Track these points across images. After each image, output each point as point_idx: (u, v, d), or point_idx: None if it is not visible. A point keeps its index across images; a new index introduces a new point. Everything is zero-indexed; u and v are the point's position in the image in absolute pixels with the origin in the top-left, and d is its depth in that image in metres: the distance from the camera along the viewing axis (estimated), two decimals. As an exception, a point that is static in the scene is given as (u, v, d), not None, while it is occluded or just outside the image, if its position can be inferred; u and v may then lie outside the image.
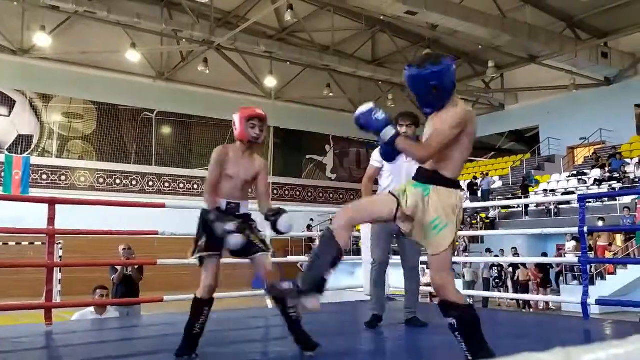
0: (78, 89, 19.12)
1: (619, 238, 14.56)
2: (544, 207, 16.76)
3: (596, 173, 17.35)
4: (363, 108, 2.52)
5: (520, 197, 17.22)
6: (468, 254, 16.52)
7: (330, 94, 22.94)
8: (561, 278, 14.52)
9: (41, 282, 4.72)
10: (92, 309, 5.39)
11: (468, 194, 19.66)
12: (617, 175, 16.26)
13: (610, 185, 15.81)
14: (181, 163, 21.15)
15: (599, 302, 5.19)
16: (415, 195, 2.49)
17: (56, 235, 4.61)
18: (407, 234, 2.56)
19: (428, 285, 15.05)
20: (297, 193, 23.92)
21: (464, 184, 20.78)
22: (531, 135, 23.48)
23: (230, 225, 3.04)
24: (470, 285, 14.83)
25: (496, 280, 14.57)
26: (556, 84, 20.74)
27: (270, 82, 21.58)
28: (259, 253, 3.24)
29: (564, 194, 16.57)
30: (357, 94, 24.92)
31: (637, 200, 13.89)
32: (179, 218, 11.78)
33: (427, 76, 2.52)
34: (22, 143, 18.36)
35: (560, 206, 16.21)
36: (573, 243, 13.31)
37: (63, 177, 18.91)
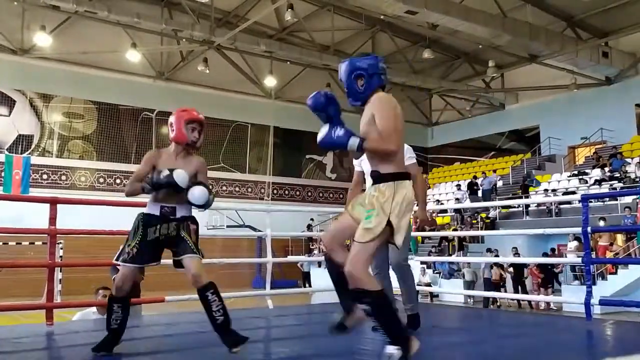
0: (78, 88, 19.11)
1: (620, 238, 14.53)
2: (545, 207, 16.74)
3: (597, 173, 17.33)
4: (322, 133, 2.63)
5: (521, 197, 17.20)
6: (459, 253, 16.50)
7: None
8: (562, 278, 14.50)
9: (41, 281, 4.71)
10: (93, 309, 5.37)
11: (468, 193, 19.64)
12: (618, 175, 16.24)
13: (611, 185, 15.80)
14: (181, 163, 21.11)
15: (602, 302, 5.17)
16: (365, 197, 2.68)
17: (57, 235, 4.60)
18: None
19: (428, 285, 15.07)
20: (297, 193, 23.90)
21: (463, 184, 20.79)
22: (532, 135, 23.46)
23: (165, 171, 3.10)
24: (470, 285, 14.82)
25: (497, 281, 14.51)
26: (557, 83, 20.73)
27: (270, 81, 21.57)
28: (187, 255, 3.18)
29: (564, 193, 16.55)
30: (358, 93, 24.90)
31: (638, 200, 13.88)
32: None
33: (353, 68, 2.79)
34: (22, 143, 18.34)
35: (561, 206, 16.20)
36: (575, 243, 13.29)
37: (63, 177, 18.89)
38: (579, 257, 5.89)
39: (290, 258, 19.04)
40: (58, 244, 4.54)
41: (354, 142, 2.59)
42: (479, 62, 22.83)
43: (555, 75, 20.47)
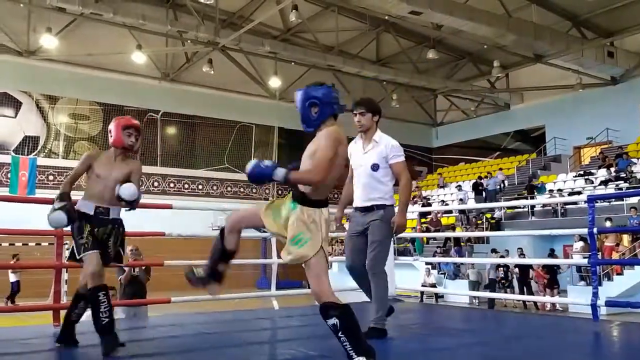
0: (84, 90, 19.18)
1: (626, 238, 14.49)
2: (551, 208, 16.69)
3: (603, 173, 17.26)
4: (249, 167, 2.81)
5: (526, 198, 17.15)
6: (456, 249, 16.47)
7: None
8: (568, 278, 14.46)
9: (46, 282, 4.74)
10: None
11: (473, 194, 19.60)
12: (624, 175, 16.17)
13: (617, 185, 15.73)
14: (186, 163, 21.20)
15: (609, 303, 5.16)
16: (287, 209, 2.82)
17: (63, 236, 4.62)
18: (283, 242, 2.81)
19: (433, 285, 15.05)
20: (302, 193, 23.90)
21: (468, 185, 20.74)
22: (537, 135, 23.40)
23: (57, 204, 3.34)
24: (474, 285, 14.79)
25: (502, 281, 14.50)
26: (562, 83, 20.66)
27: (274, 82, 21.58)
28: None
29: (570, 194, 16.49)
30: (362, 94, 24.84)
31: (644, 200, 13.83)
32: (184, 218, 11.81)
33: (308, 96, 2.94)
34: (28, 144, 18.43)
35: (567, 206, 16.14)
36: (581, 244, 13.25)
37: (69, 178, 18.95)
38: (585, 258, 5.87)
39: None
40: (64, 244, 4.56)
41: (279, 172, 2.75)
42: (484, 62, 22.78)
43: (560, 75, 20.40)
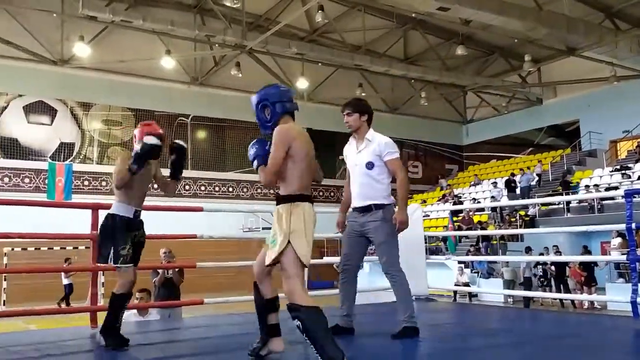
0: (116, 96, 19.60)
1: (666, 233, 14.02)
2: (587, 204, 16.29)
3: (641, 167, 16.79)
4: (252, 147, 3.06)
5: (561, 194, 16.78)
6: (483, 244, 16.18)
7: (363, 94, 22.83)
8: (606, 276, 14.08)
9: (83, 285, 4.83)
10: (134, 311, 5.49)
11: (506, 191, 19.28)
12: (663, 169, 15.69)
13: (656, 179, 15.27)
14: (216, 166, 21.44)
15: (650, 300, 4.99)
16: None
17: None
18: None
19: (466, 284, 14.84)
20: (332, 194, 23.90)
21: (501, 182, 20.41)
22: (571, 130, 22.88)
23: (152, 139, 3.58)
24: (509, 284, 14.53)
25: (541, 279, 14.15)
26: (596, 76, 20.16)
27: (302, 83, 21.63)
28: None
29: (607, 189, 16.07)
30: (390, 92, 24.77)
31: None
32: (215, 221, 11.92)
33: (258, 100, 3.04)
34: (64, 150, 18.91)
35: (604, 202, 15.73)
36: (619, 240, 12.89)
37: (104, 183, 19.38)
38: (623, 254, 5.71)
39: (326, 259, 19.03)
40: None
41: (256, 164, 2.99)
42: (515, 56, 22.40)
43: (594, 68, 19.91)
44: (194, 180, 20.94)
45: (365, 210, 3.78)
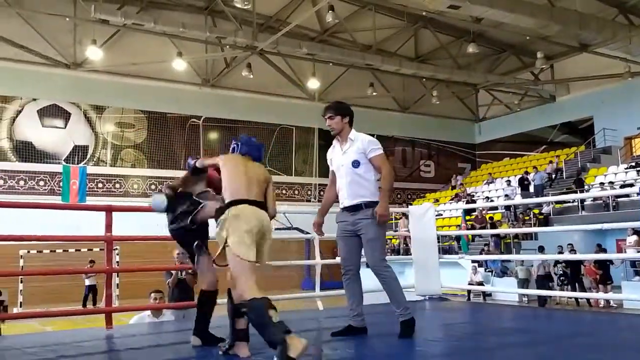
0: (129, 99, 19.75)
1: (683, 231, 13.84)
2: (602, 201, 16.12)
3: (656, 163, 16.58)
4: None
5: (575, 192, 16.62)
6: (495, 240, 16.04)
7: (374, 93, 22.81)
8: (622, 274, 13.91)
9: (99, 286, 4.87)
10: (148, 312, 5.53)
11: (519, 189, 19.14)
12: (680, 165, 15.48)
13: (672, 176, 15.07)
14: (229, 167, 21.47)
15: (666, 299, 4.93)
16: None
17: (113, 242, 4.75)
18: None
19: (480, 284, 14.73)
20: (344, 194, 23.90)
21: (514, 180, 20.27)
22: (585, 127, 22.66)
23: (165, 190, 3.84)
24: (523, 283, 14.40)
25: (561, 278, 13.95)
26: (610, 72, 19.95)
27: (313, 84, 21.64)
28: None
29: (622, 186, 15.89)
30: (401, 92, 24.71)
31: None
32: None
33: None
34: (78, 153, 19.10)
35: (619, 199, 15.56)
36: (634, 237, 12.76)
37: (117, 185, 19.54)
38: (639, 252, 5.64)
39: (339, 259, 19.01)
40: (114, 249, 4.68)
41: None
42: (527, 53, 22.23)
43: (608, 64, 19.69)
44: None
45: (355, 209, 3.80)
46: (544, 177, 18.99)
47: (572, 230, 15.42)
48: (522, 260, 14.97)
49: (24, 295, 14.90)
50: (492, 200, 19.54)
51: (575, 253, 13.85)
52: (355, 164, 3.81)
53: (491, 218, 17.99)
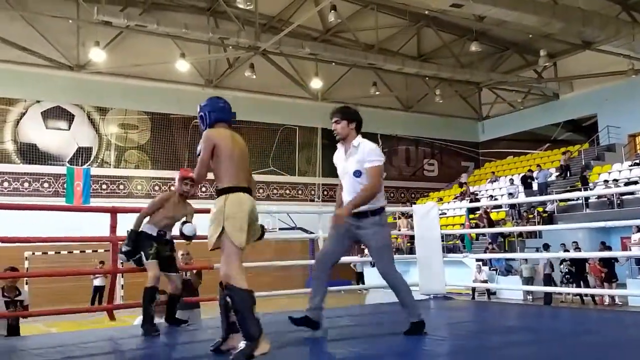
0: (132, 100, 19.79)
1: (688, 228, 13.78)
2: (606, 199, 16.08)
3: (661, 161, 16.51)
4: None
5: (580, 189, 16.57)
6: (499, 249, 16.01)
7: (377, 93, 22.80)
8: (626, 272, 13.87)
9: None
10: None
11: (522, 188, 19.11)
12: (684, 162, 15.42)
13: (677, 173, 15.01)
14: (232, 168, 21.51)
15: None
16: None
17: (118, 243, 4.77)
18: None
19: (485, 282, 14.70)
20: (348, 193, 23.90)
21: (517, 178, 20.23)
22: (589, 125, 22.59)
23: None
24: (528, 281, 14.37)
25: (567, 276, 13.92)
26: (613, 69, 19.88)
27: (316, 83, 21.65)
28: (174, 274, 4.55)
29: (626, 184, 15.84)
30: (404, 91, 24.69)
31: None
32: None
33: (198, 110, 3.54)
34: (82, 155, 19.15)
35: (623, 197, 15.51)
36: (639, 235, 12.72)
37: (121, 186, 19.59)
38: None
39: (343, 259, 18.99)
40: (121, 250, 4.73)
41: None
42: (530, 51, 22.18)
43: (611, 61, 19.63)
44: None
45: (361, 216, 3.76)
46: (547, 175, 18.93)
47: (577, 228, 15.39)
48: (527, 259, 14.95)
49: (30, 297, 14.95)
50: (496, 199, 19.50)
51: (580, 251, 13.83)
52: (357, 174, 3.78)
53: (488, 217, 17.89)
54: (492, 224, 16.67)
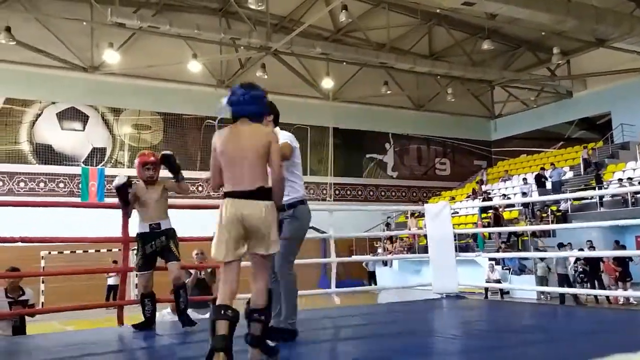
0: (145, 101, 19.95)
1: None
2: (620, 197, 15.93)
3: (676, 159, 16.32)
4: None
5: (594, 188, 16.43)
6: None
7: (388, 92, 22.77)
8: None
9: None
10: (168, 309, 5.61)
11: (536, 186, 18.99)
12: (701, 160, 15.23)
13: (693, 171, 14.83)
14: (244, 168, 21.60)
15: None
16: None
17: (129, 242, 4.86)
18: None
19: (498, 281, 14.64)
20: (359, 192, 23.89)
21: (531, 177, 20.10)
22: (603, 122, 22.39)
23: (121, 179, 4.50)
24: (542, 280, 14.27)
25: (581, 276, 13.79)
26: (627, 67, 19.69)
27: (327, 83, 21.67)
28: (171, 261, 4.44)
29: (641, 182, 15.69)
30: (416, 90, 24.62)
31: None
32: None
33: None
34: (96, 155, 19.34)
35: (638, 195, 15.35)
36: (654, 234, 12.57)
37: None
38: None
39: (355, 257, 19.03)
40: (132, 249, 4.82)
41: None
42: (543, 49, 22.02)
43: (625, 59, 19.45)
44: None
45: (278, 209, 3.56)
46: (561, 174, 18.80)
47: (591, 227, 15.26)
48: (542, 258, 14.84)
49: (45, 295, 15.15)
50: (508, 198, 19.39)
51: (594, 250, 13.71)
52: None
53: (497, 215, 17.76)
54: (498, 222, 16.59)
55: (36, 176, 18.33)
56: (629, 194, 15.30)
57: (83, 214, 14.40)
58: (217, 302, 2.85)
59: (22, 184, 18.09)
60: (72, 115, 19.12)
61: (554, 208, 17.48)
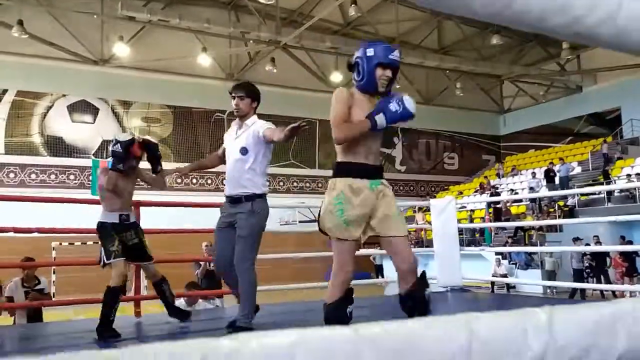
0: (155, 94, 20.10)
1: None
2: (629, 193, 15.90)
3: (686, 155, 16.25)
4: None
5: (602, 183, 16.41)
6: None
7: (397, 86, 22.62)
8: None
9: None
10: (182, 301, 5.75)
11: (545, 181, 18.97)
12: None
13: (702, 167, 14.78)
14: (253, 161, 21.74)
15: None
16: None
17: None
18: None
19: (504, 276, 14.67)
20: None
21: (540, 172, 20.09)
22: (612, 118, 22.29)
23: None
24: (550, 275, 14.30)
25: (587, 270, 13.81)
26: (638, 62, 19.55)
27: (336, 77, 21.71)
28: (147, 262, 4.21)
29: (650, 178, 15.64)
30: (425, 84, 24.60)
31: None
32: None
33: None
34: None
35: (647, 191, 15.33)
36: (661, 230, 12.57)
37: (144, 179, 19.91)
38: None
39: (363, 251, 19.07)
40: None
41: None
42: (552, 44, 21.94)
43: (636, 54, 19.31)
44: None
45: (235, 201, 3.57)
46: (569, 169, 18.77)
47: (598, 222, 15.25)
48: (551, 252, 14.86)
49: (57, 286, 15.37)
50: (516, 193, 19.40)
51: (601, 245, 13.71)
52: (243, 151, 3.58)
53: (497, 210, 17.73)
54: (498, 217, 16.63)
55: (47, 168, 18.55)
56: (637, 189, 15.27)
57: (93, 205, 14.57)
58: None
59: (33, 176, 18.31)
60: (82, 107, 19.31)
61: (561, 203, 17.47)
